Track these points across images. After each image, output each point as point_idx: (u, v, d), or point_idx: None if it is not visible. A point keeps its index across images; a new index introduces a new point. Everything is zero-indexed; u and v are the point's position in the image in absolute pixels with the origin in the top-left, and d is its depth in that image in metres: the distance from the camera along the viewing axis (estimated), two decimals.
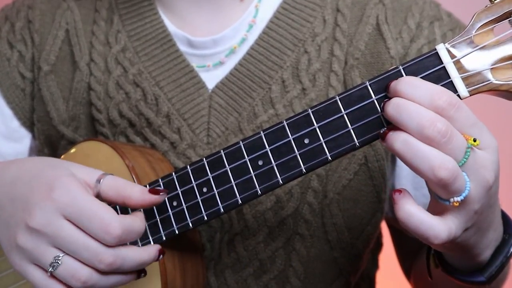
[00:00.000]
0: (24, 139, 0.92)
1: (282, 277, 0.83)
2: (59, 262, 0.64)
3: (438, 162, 0.55)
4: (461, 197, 0.57)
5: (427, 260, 0.73)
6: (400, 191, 0.59)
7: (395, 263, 1.00)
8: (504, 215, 0.69)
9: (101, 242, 0.63)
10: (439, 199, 0.58)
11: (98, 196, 0.68)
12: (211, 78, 0.85)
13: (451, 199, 0.57)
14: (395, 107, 0.58)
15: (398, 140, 0.57)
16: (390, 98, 0.59)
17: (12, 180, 0.69)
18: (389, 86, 0.59)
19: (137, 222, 0.66)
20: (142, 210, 0.70)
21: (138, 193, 0.67)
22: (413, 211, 0.58)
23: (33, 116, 0.91)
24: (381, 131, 0.59)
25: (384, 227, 0.97)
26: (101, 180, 0.67)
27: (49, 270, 0.64)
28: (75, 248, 0.63)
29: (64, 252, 0.64)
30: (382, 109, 0.59)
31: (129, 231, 0.65)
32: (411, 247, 0.93)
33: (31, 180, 0.67)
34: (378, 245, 0.95)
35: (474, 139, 0.57)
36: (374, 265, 0.95)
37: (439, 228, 0.57)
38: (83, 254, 0.63)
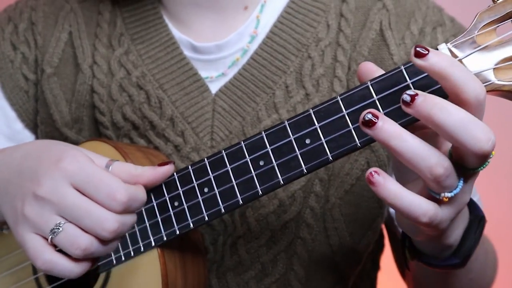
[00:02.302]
0: (27, 141, 0.92)
1: (283, 280, 0.83)
2: (60, 229, 0.64)
3: (434, 161, 0.55)
4: (452, 194, 0.57)
5: (403, 254, 0.73)
6: (376, 171, 0.57)
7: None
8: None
9: (107, 208, 0.64)
10: (431, 192, 0.58)
11: None
12: (214, 87, 0.85)
13: (442, 194, 0.57)
14: (439, 108, 0.54)
15: (394, 137, 0.56)
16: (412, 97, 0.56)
17: (22, 156, 0.70)
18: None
19: (140, 191, 0.67)
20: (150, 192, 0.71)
21: (149, 170, 0.69)
22: (399, 190, 0.57)
23: (36, 118, 0.91)
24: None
25: (385, 229, 0.96)
26: (110, 166, 0.68)
27: (50, 236, 0.64)
28: (78, 215, 0.64)
29: (67, 220, 0.64)
30: (411, 102, 0.55)
31: (134, 199, 0.65)
32: None
33: (41, 154, 0.68)
34: (380, 247, 0.95)
35: None
36: (375, 266, 0.95)
37: (427, 206, 0.57)
38: (86, 221, 0.64)
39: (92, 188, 0.64)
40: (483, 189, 0.81)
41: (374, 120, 0.56)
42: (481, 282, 0.86)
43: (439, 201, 0.58)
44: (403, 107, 0.56)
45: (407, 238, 0.71)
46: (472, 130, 0.54)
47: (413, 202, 0.57)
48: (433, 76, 0.56)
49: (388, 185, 0.57)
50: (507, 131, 1.36)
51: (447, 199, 0.57)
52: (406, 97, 0.56)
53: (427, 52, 0.55)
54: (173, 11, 0.88)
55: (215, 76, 0.85)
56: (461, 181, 0.57)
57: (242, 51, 0.85)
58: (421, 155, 0.56)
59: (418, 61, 0.55)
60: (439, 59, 0.55)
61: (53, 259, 0.65)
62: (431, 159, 0.55)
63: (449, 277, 0.79)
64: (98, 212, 0.64)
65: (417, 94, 0.55)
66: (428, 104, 0.55)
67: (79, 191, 0.65)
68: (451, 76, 0.55)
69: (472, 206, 0.70)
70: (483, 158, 0.55)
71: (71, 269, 0.65)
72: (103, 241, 0.65)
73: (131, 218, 0.66)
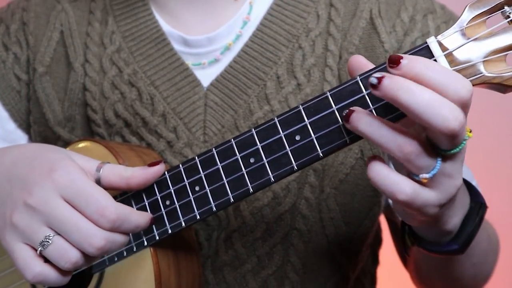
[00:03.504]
0: (20, 141, 0.92)
1: (280, 272, 0.83)
2: (50, 241, 0.64)
3: (402, 140, 0.56)
4: (430, 175, 0.57)
5: (403, 240, 0.73)
6: (374, 157, 0.59)
7: (396, 259, 1.00)
8: (468, 184, 0.71)
9: (96, 224, 0.64)
10: (412, 175, 0.58)
11: (98, 183, 0.69)
12: (206, 76, 0.85)
13: (420, 175, 0.57)
14: (405, 90, 0.54)
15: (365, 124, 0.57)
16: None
17: (11, 162, 0.70)
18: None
19: (134, 214, 0.67)
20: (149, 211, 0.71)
21: (139, 170, 0.69)
22: (382, 169, 0.58)
23: (29, 118, 0.91)
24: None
25: (383, 223, 0.96)
26: (101, 168, 0.68)
27: (39, 249, 0.64)
28: (67, 228, 0.64)
29: (56, 232, 0.64)
30: (378, 84, 0.55)
31: (124, 219, 0.65)
32: None
33: (32, 161, 0.68)
34: (378, 241, 0.95)
35: (470, 130, 0.58)
36: (375, 261, 0.95)
37: (404, 184, 0.57)
38: (74, 235, 0.64)
39: (83, 203, 0.64)
40: (483, 189, 0.81)
41: (350, 114, 0.58)
42: (483, 267, 0.87)
43: (420, 184, 0.58)
44: (371, 90, 0.56)
45: (407, 224, 0.71)
46: (438, 109, 0.54)
47: (392, 179, 0.58)
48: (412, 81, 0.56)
49: (372, 165, 0.58)
50: (507, 131, 1.35)
51: (426, 180, 0.57)
52: (373, 79, 0.56)
53: (399, 60, 0.55)
54: (162, 5, 0.88)
55: (208, 62, 0.85)
56: (439, 162, 0.57)
57: (235, 37, 0.85)
58: (389, 136, 0.56)
59: (393, 71, 0.56)
60: (412, 65, 0.55)
61: (43, 272, 0.65)
62: (398, 139, 0.56)
63: (450, 263, 0.80)
64: (86, 227, 0.64)
65: (383, 77, 0.55)
66: (394, 86, 0.55)
67: (69, 204, 0.65)
68: (428, 81, 0.55)
69: (473, 192, 0.70)
70: (453, 138, 0.55)
71: (60, 279, 0.66)
72: (90, 256, 0.65)
73: (121, 238, 0.66)
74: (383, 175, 0.58)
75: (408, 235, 0.72)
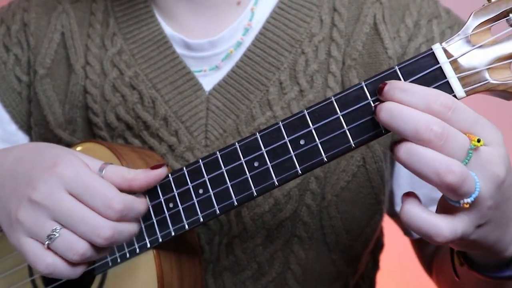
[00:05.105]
0: (22, 143, 0.92)
1: (280, 279, 0.83)
2: (57, 234, 0.65)
3: (443, 168, 0.54)
4: (471, 199, 0.55)
5: (452, 259, 0.71)
6: (408, 194, 0.58)
7: (396, 264, 0.99)
8: None
9: (103, 216, 0.65)
10: (450, 201, 0.56)
11: None
12: (208, 82, 0.85)
13: (461, 201, 0.55)
14: (388, 112, 0.57)
15: (400, 149, 0.56)
16: (381, 102, 0.58)
17: (15, 159, 0.70)
18: (382, 91, 0.58)
19: (138, 201, 0.68)
20: (145, 195, 0.71)
21: (142, 173, 0.69)
22: (415, 211, 0.56)
23: (30, 119, 0.91)
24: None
25: (386, 227, 0.96)
26: (104, 169, 0.68)
27: (46, 242, 0.65)
28: (74, 221, 0.64)
29: (62, 225, 0.65)
30: (374, 113, 0.58)
31: (130, 208, 0.66)
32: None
33: (35, 157, 0.68)
34: (379, 246, 0.95)
35: (478, 139, 0.55)
36: (375, 266, 0.95)
37: (442, 226, 0.55)
38: (81, 228, 0.64)
39: (88, 196, 0.65)
40: None
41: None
42: None
43: (459, 210, 0.57)
44: None
45: None
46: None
47: (428, 222, 0.56)
48: None
49: (405, 206, 0.57)
50: (507, 132, 1.34)
51: (468, 205, 0.55)
52: None
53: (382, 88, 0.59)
54: (165, 8, 0.88)
55: (209, 69, 0.85)
56: (478, 183, 0.55)
57: (236, 44, 0.84)
58: (426, 162, 0.54)
59: (380, 97, 0.59)
60: (393, 91, 0.58)
61: (55, 263, 0.66)
62: (439, 167, 0.54)
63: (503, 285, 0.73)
64: (93, 219, 0.64)
65: None
66: None
67: (74, 197, 0.65)
68: (408, 103, 0.57)
69: None
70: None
71: (71, 271, 0.66)
72: (98, 247, 0.65)
73: (128, 227, 0.67)
74: (419, 218, 0.56)
75: (457, 255, 0.69)
